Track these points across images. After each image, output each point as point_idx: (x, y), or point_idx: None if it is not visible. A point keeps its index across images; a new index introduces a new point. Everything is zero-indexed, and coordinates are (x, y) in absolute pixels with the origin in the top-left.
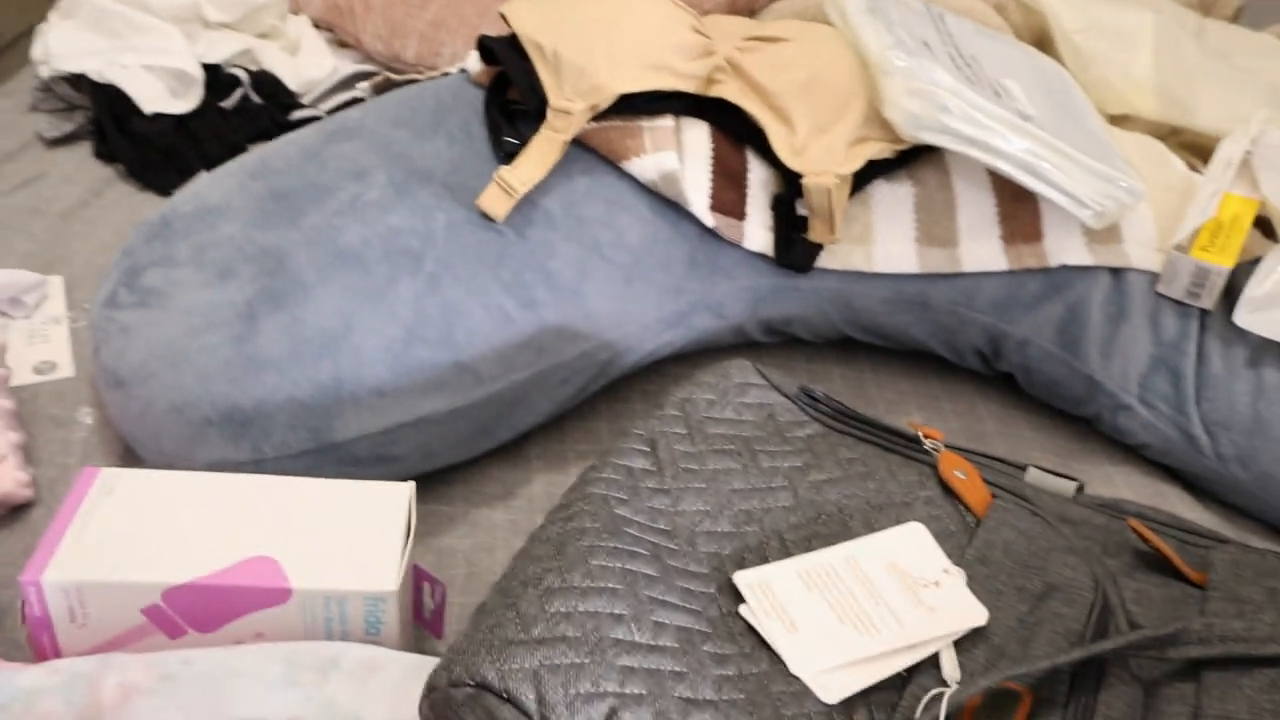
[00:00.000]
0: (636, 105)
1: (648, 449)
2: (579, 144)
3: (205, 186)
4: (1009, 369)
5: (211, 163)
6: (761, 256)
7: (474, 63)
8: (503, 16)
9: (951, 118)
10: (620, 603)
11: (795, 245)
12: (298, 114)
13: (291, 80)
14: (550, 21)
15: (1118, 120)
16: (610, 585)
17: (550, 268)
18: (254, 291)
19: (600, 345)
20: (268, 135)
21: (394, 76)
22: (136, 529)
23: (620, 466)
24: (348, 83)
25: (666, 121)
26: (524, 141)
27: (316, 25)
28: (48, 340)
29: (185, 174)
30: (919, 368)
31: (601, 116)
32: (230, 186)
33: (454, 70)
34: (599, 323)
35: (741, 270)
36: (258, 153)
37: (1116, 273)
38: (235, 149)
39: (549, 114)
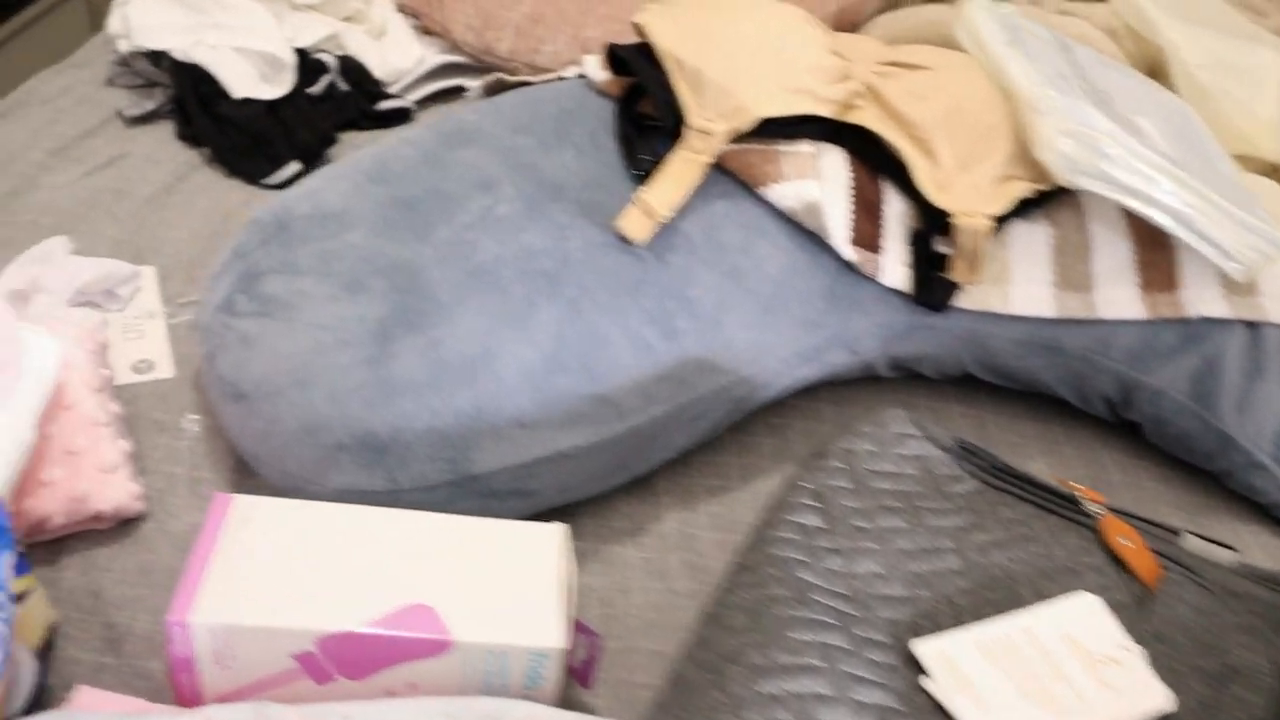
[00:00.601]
0: (773, 129)
1: (818, 504)
2: (715, 166)
3: (320, 187)
4: (1137, 418)
5: (302, 152)
6: (896, 293)
7: (597, 70)
8: (636, 27)
9: (1111, 164)
10: (823, 680)
11: (934, 284)
12: (385, 104)
13: (377, 68)
14: (689, 36)
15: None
16: (811, 662)
17: (691, 295)
18: (387, 309)
19: (738, 380)
20: (355, 125)
21: (507, 78)
22: (284, 567)
23: (794, 524)
24: (435, 74)
25: (804, 147)
26: (658, 159)
27: (401, 10)
28: (143, 336)
29: (275, 162)
30: (1041, 410)
31: (738, 139)
32: (347, 189)
33: (569, 74)
34: (738, 355)
35: (878, 306)
36: (371, 154)
37: (1253, 326)
38: (326, 138)
39: (688, 134)
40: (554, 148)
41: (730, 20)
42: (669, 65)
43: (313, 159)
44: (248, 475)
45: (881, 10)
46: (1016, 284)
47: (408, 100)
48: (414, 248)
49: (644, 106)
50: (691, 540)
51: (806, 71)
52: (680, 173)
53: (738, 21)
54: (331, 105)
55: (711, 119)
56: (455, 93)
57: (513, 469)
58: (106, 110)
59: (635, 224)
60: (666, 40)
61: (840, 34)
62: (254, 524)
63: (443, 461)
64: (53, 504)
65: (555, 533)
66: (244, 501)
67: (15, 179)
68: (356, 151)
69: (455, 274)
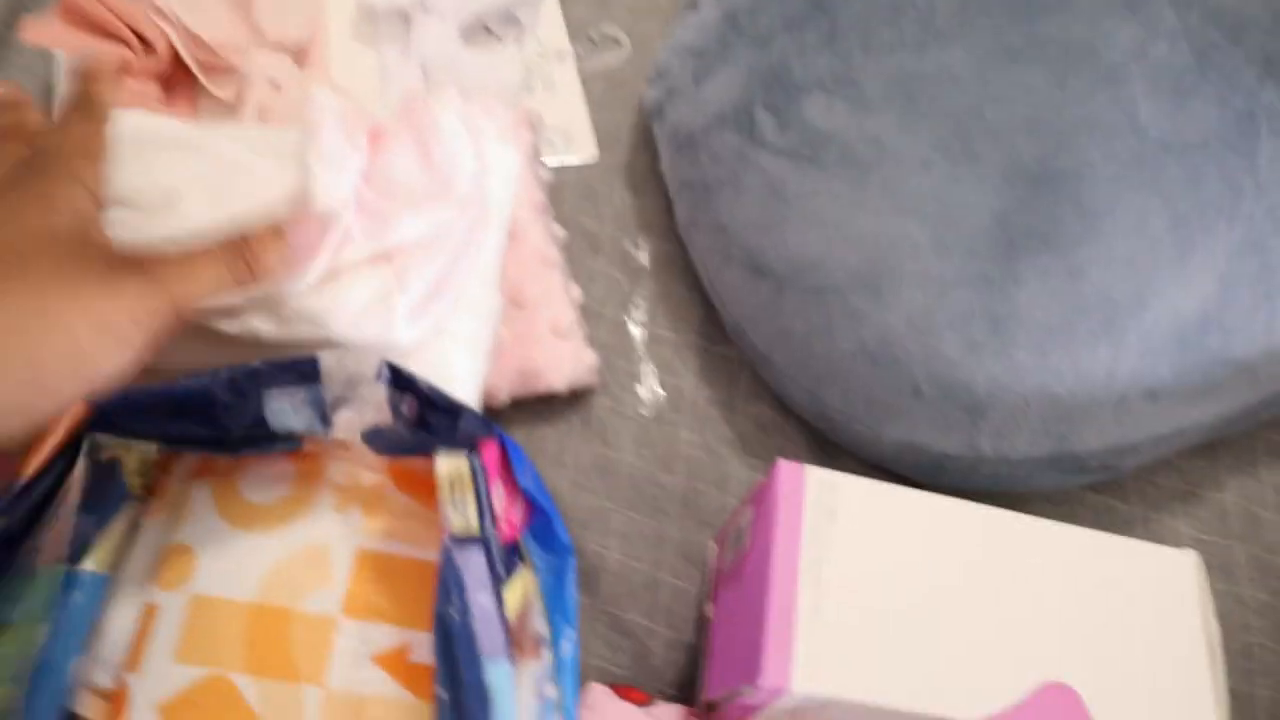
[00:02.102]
0: None
1: None
2: None
3: None
4: None
5: None
6: None
7: None
8: None
9: None
10: None
11: None
12: None
13: None
14: None
15: None
16: None
17: None
18: (1010, 201)
19: None
20: None
21: None
22: (885, 604)
23: None
24: None
25: None
26: None
27: None
28: (552, 88)
29: None
30: None
31: None
32: None
33: None
34: None
35: None
36: None
37: None
38: None
39: None
40: None
41: None
42: None
43: None
44: (727, 344)
45: None
46: None
47: None
48: (1042, 94)
49: None
50: (1256, 525)
51: None
52: None
53: None
54: None
55: None
56: None
57: (1119, 447)
58: None
59: None
60: None
61: None
62: (840, 521)
63: (1049, 435)
64: (496, 375)
65: (1192, 567)
66: (820, 480)
67: None
68: None
69: (1112, 159)
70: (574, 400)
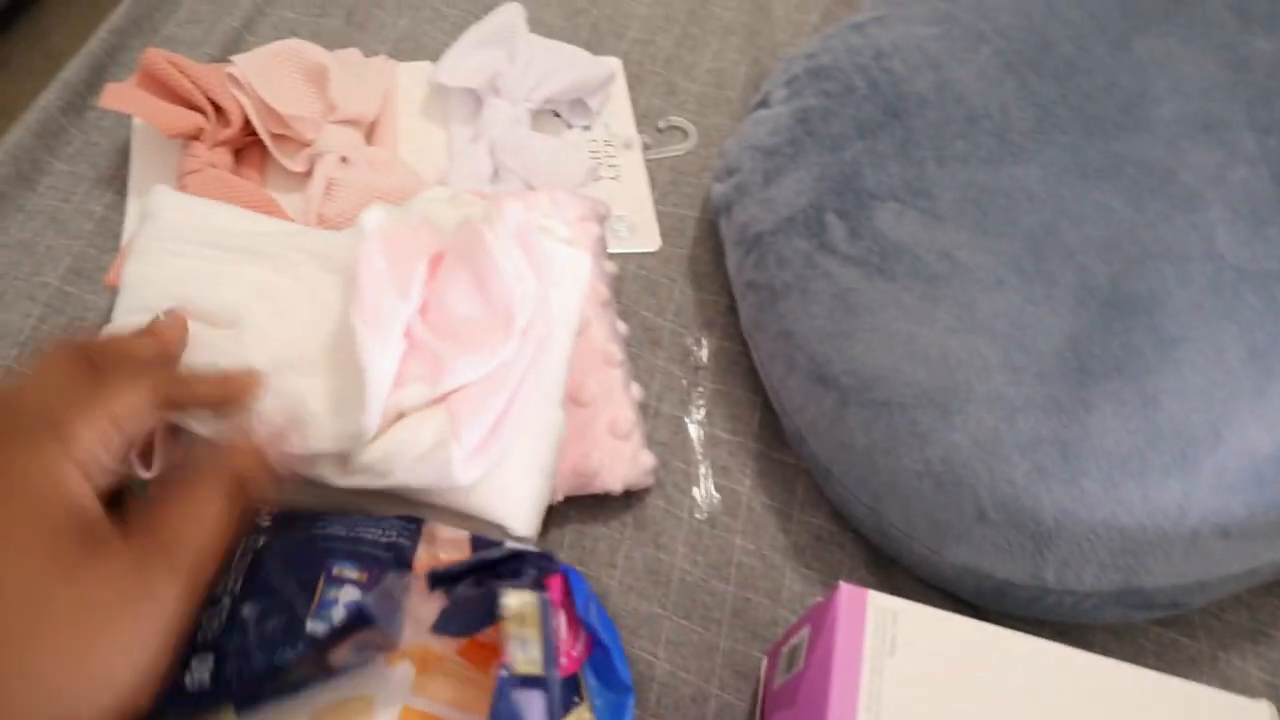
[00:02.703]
0: None
1: None
2: None
3: (930, 39)
4: None
5: None
6: None
7: None
8: None
9: None
10: None
11: None
12: None
13: None
14: None
15: None
16: None
17: None
18: (1084, 323)
19: None
20: None
21: None
22: None
23: None
24: None
25: None
26: None
27: None
28: (619, 178)
29: None
30: None
31: None
32: (986, 66)
33: None
34: None
35: None
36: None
37: None
38: None
39: None
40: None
41: None
42: None
43: None
44: (785, 450)
45: None
46: None
47: None
48: (1118, 215)
49: None
50: None
51: None
52: None
53: None
54: None
55: None
56: None
57: (1189, 585)
58: None
59: None
60: None
61: None
62: (900, 653)
63: (1116, 568)
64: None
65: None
66: (880, 609)
67: None
68: None
69: (1181, 282)
70: (628, 499)
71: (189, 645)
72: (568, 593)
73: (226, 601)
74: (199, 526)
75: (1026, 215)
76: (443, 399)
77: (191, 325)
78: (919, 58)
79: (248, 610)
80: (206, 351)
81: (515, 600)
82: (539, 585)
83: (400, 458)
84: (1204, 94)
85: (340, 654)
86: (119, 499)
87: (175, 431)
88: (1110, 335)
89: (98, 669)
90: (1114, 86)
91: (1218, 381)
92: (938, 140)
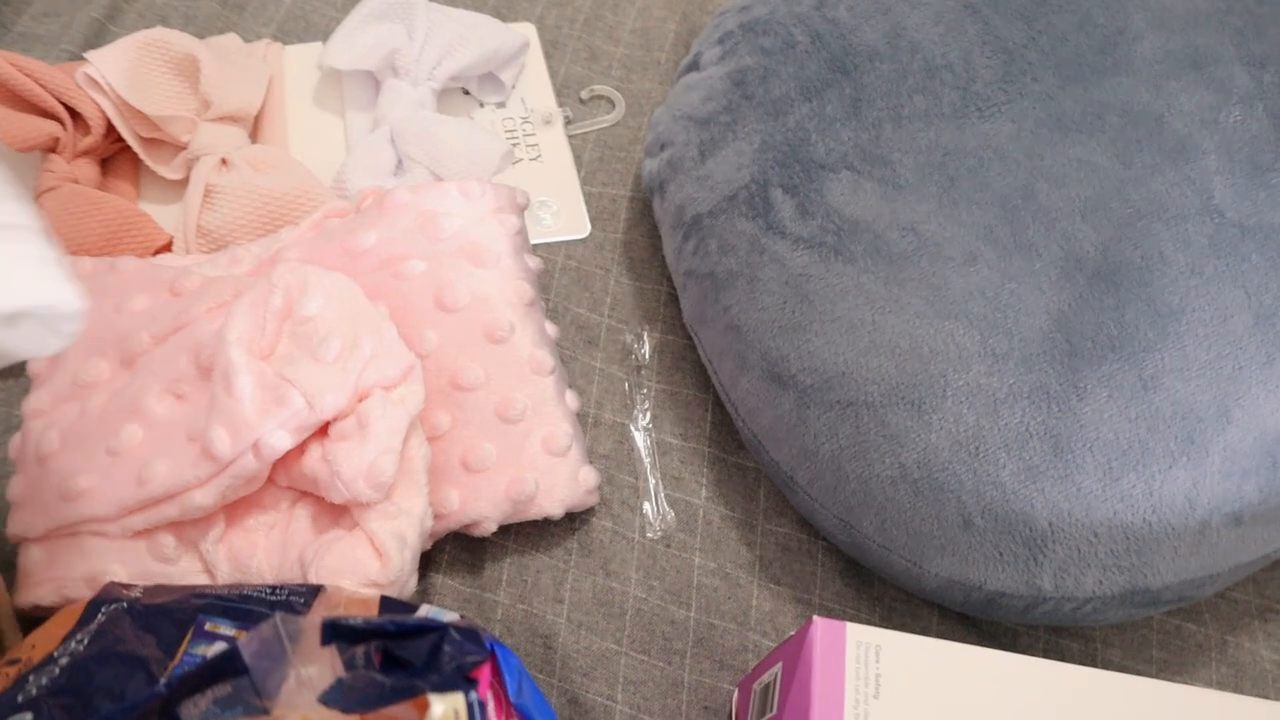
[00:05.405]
0: None
1: None
2: None
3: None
4: None
5: None
6: None
7: None
8: None
9: None
10: None
11: None
12: None
13: None
14: None
15: None
16: None
17: None
18: (1070, 298)
19: None
20: None
21: None
22: None
23: None
24: None
25: None
26: None
27: None
28: (539, 156)
29: None
30: None
31: None
32: (946, 9)
33: None
34: None
35: None
36: None
37: None
38: None
39: None
40: None
41: None
42: None
43: None
44: (743, 453)
45: None
46: None
47: None
48: (1102, 171)
49: None
50: None
51: None
52: None
53: None
54: None
55: None
56: None
57: (1198, 579)
58: None
59: None
60: None
61: None
62: (886, 701)
63: (1119, 570)
64: (482, 504)
65: None
66: (861, 643)
67: None
68: None
69: (1177, 244)
70: (571, 523)
71: None
72: (498, 674)
73: (64, 661)
74: None
75: (999, 179)
76: None
77: None
78: (867, 3)
79: (89, 666)
80: None
81: (440, 708)
82: (462, 676)
83: None
84: (1189, 26)
85: (194, 707)
86: None
87: None
88: (1101, 311)
89: None
90: (1088, 23)
91: (1223, 354)
92: (893, 98)
